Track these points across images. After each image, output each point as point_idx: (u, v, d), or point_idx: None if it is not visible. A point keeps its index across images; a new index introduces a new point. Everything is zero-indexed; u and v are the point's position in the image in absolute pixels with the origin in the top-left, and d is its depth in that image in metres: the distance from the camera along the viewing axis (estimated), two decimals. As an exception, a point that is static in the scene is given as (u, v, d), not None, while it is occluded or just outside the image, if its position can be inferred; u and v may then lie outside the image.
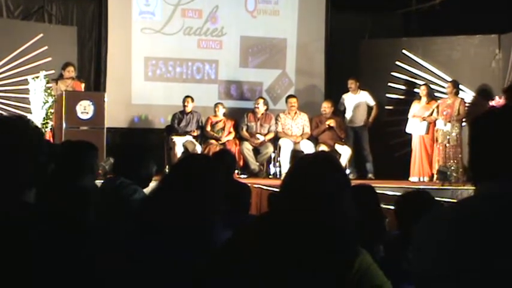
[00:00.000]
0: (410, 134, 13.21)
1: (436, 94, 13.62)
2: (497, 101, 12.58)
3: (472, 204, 2.29)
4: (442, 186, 11.55)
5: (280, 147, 13.21)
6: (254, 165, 13.15)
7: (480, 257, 2.13)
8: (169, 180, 3.19)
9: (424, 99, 13.11)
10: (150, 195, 3.26)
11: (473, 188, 2.32)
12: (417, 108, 13.10)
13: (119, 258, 2.98)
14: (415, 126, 13.06)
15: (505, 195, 2.18)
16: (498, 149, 2.23)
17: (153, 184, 5.14)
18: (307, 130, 13.45)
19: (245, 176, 12.55)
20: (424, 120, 12.92)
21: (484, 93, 13.39)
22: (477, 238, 2.14)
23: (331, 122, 13.19)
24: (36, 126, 2.45)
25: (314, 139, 13.37)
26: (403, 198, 4.54)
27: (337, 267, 2.58)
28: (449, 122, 12.50)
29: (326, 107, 13.43)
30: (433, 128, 12.89)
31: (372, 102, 13.72)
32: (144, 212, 3.15)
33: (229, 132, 13.50)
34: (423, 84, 13.45)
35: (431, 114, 12.92)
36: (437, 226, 2.29)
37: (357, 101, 13.72)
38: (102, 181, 5.58)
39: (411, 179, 12.90)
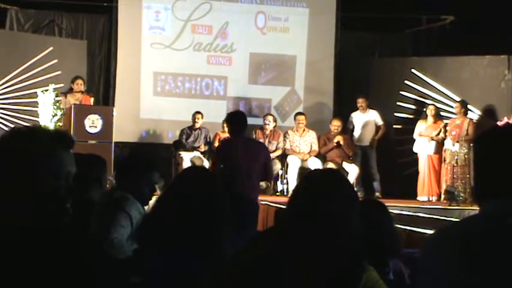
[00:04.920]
0: (416, 153, 13.22)
1: (445, 114, 13.63)
2: (506, 121, 12.59)
3: (473, 224, 2.31)
4: (450, 206, 11.56)
5: (287, 165, 13.22)
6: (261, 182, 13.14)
7: (481, 275, 2.14)
8: (172, 192, 3.21)
9: (430, 119, 13.13)
10: (153, 208, 3.27)
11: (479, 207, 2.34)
12: (423, 128, 13.12)
13: (125, 271, 3.00)
14: (422, 146, 13.06)
15: (505, 216, 2.20)
16: (500, 168, 2.25)
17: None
18: (315, 148, 13.46)
19: (252, 193, 12.52)
20: (433, 139, 12.92)
21: (489, 113, 13.39)
22: (477, 257, 2.16)
23: (340, 139, 13.18)
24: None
25: (322, 157, 13.37)
26: None
27: (344, 281, 2.59)
28: (458, 142, 12.50)
29: (337, 126, 13.37)
30: (440, 148, 12.90)
31: (380, 121, 13.73)
32: (148, 224, 3.16)
33: (237, 149, 13.50)
34: (431, 104, 13.48)
35: (438, 134, 12.94)
36: (440, 246, 2.31)
37: (366, 120, 13.73)
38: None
39: (419, 198, 12.89)
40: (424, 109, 13.79)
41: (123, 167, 5.18)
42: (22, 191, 2.25)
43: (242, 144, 8.41)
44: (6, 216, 2.23)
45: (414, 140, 13.21)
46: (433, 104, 13.53)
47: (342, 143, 13.19)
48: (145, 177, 4.96)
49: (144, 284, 2.91)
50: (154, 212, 3.19)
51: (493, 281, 2.13)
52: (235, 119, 8.77)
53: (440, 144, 12.93)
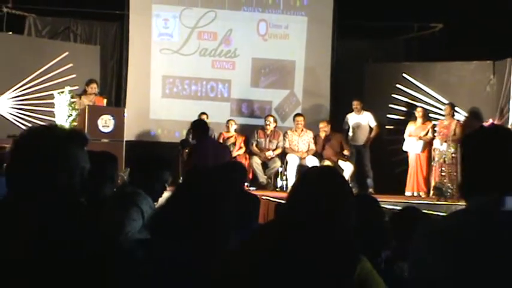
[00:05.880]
0: (407, 152, 13.26)
1: (433, 116, 13.66)
2: (491, 122, 12.63)
3: (459, 218, 2.32)
4: (438, 201, 11.60)
5: (287, 162, 13.24)
6: (262, 178, 13.16)
7: (466, 267, 2.15)
8: (183, 188, 3.20)
9: (419, 120, 13.17)
10: (165, 202, 3.26)
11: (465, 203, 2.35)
12: (413, 128, 13.18)
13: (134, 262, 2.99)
14: (411, 145, 13.12)
15: (489, 211, 2.20)
16: (485, 166, 2.26)
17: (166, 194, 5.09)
18: (313, 147, 13.46)
19: (254, 189, 12.51)
20: (421, 139, 12.97)
21: (475, 115, 13.41)
22: (462, 248, 2.16)
23: (346, 151, 13.23)
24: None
25: (319, 155, 13.37)
26: (399, 213, 4.58)
27: (340, 272, 2.59)
28: (446, 142, 12.52)
29: (322, 127, 13.51)
30: (428, 147, 12.94)
31: (373, 123, 13.75)
32: (158, 218, 3.15)
33: (240, 147, 13.52)
34: (419, 107, 13.53)
35: (426, 134, 12.98)
36: (430, 238, 2.31)
37: (360, 121, 13.76)
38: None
39: (406, 193, 12.95)
40: (415, 111, 13.82)
41: (138, 165, 5.17)
42: (40, 185, 2.25)
43: (212, 147, 9.60)
44: (24, 209, 2.23)
45: (404, 139, 13.26)
46: (421, 106, 13.57)
47: (347, 153, 13.23)
48: (158, 175, 4.96)
49: (154, 274, 2.90)
50: (165, 206, 3.18)
51: (478, 274, 2.13)
52: (199, 126, 9.98)
53: (428, 144, 12.98)
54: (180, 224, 2.90)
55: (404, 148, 13.27)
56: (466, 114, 13.57)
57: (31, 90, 13.23)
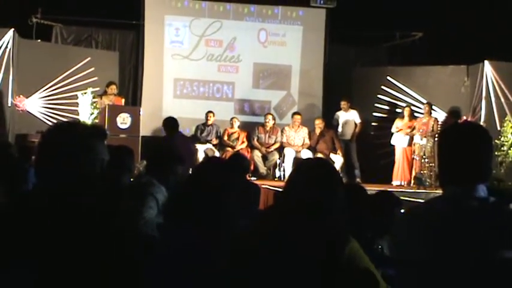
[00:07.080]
0: (393, 146, 13.25)
1: (414, 114, 13.65)
2: (465, 119, 12.66)
3: (436, 205, 2.32)
4: (418, 189, 11.63)
5: (284, 155, 13.24)
6: (262, 169, 13.16)
7: (445, 245, 2.15)
8: (193, 178, 3.19)
9: (406, 118, 13.15)
10: (178, 191, 3.24)
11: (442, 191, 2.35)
12: (400, 125, 13.16)
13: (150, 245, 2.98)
14: (398, 140, 13.12)
15: (462, 198, 2.21)
16: (458, 159, 2.26)
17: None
18: (307, 141, 13.47)
19: (255, 178, 12.50)
20: (407, 135, 12.97)
21: (454, 114, 13.45)
22: (440, 231, 2.17)
23: (339, 152, 13.20)
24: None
25: (313, 148, 13.37)
26: (374, 196, 4.60)
27: (331, 252, 2.59)
28: (425, 137, 12.53)
29: (317, 123, 13.49)
30: (413, 142, 12.95)
31: (358, 120, 13.76)
32: (173, 205, 3.14)
33: (243, 142, 13.51)
34: (407, 106, 13.52)
35: (412, 130, 12.96)
36: (410, 223, 2.32)
37: (348, 118, 13.77)
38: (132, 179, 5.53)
39: (394, 182, 12.95)
40: (397, 109, 13.88)
41: (153, 160, 5.18)
42: (63, 177, 2.25)
43: (179, 142, 9.95)
44: (51, 195, 2.22)
45: (392, 134, 13.27)
46: (409, 106, 13.55)
47: (340, 153, 13.21)
48: (172, 168, 4.96)
49: (165, 257, 2.88)
50: (177, 195, 3.16)
51: (448, 251, 2.14)
52: (168, 123, 10.44)
53: (413, 139, 12.97)
54: (190, 212, 2.89)
55: (392, 142, 13.28)
56: (446, 114, 13.62)
57: (58, 91, 13.22)
